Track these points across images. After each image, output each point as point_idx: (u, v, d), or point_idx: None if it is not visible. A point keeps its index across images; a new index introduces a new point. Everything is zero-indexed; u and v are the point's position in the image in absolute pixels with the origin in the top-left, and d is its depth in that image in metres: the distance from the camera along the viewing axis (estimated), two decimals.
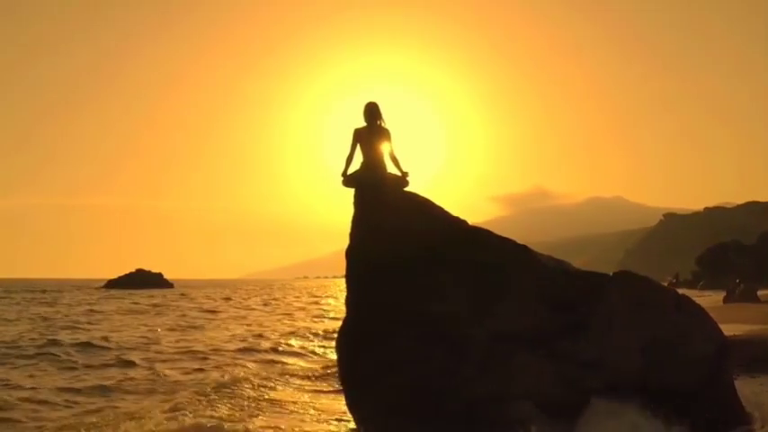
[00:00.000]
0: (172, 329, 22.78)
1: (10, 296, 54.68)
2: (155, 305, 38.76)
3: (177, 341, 18.58)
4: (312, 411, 9.49)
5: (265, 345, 17.83)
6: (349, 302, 7.23)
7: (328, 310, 34.85)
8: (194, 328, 23.67)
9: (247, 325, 25.44)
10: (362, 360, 6.83)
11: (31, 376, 12.24)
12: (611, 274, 7.29)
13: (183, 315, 30.32)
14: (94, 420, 8.50)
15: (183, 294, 60.35)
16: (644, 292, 7.04)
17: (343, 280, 7.37)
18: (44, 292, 67.49)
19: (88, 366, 13.48)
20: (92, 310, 33.17)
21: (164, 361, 14.40)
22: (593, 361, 6.60)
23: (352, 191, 7.41)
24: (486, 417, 6.34)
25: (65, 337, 18.67)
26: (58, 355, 14.73)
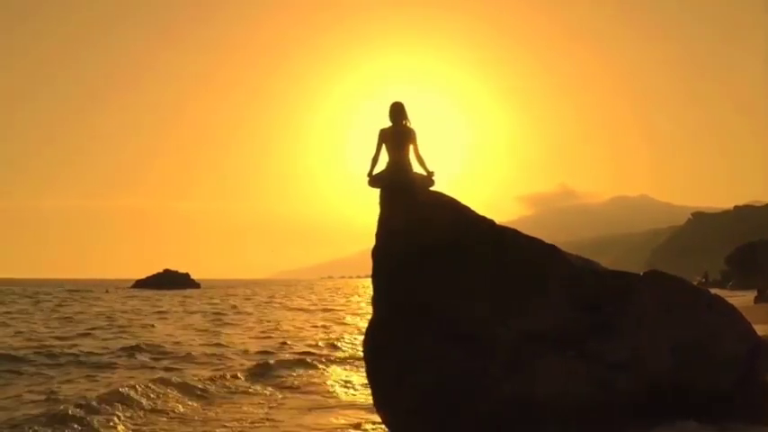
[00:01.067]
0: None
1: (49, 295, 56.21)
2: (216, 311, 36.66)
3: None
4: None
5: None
6: (375, 302, 7.22)
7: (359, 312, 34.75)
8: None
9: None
10: (389, 360, 6.81)
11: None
12: (641, 273, 7.19)
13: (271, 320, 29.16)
14: None
15: (230, 296, 60.40)
16: (675, 292, 6.94)
17: (368, 280, 7.37)
18: (76, 291, 68.59)
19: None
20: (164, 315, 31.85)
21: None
22: (623, 362, 6.51)
23: (377, 191, 7.40)
24: (513, 418, 6.29)
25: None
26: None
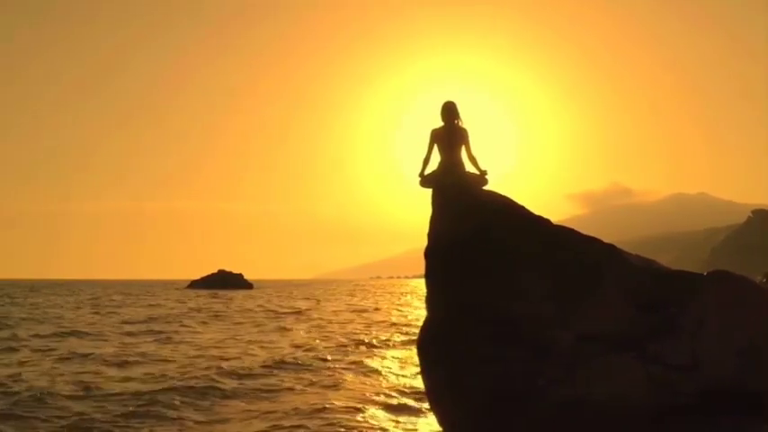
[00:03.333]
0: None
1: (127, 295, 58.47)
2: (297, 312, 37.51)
3: None
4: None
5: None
6: (430, 303, 7.17)
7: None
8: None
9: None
10: (444, 361, 6.75)
11: None
12: (704, 273, 6.89)
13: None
14: None
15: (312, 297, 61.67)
16: (740, 292, 6.64)
17: (417, 280, 7.31)
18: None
19: None
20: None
21: None
22: (685, 364, 6.28)
23: (427, 191, 7.34)
24: (570, 421, 6.13)
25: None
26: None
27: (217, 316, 31.89)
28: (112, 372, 13.52)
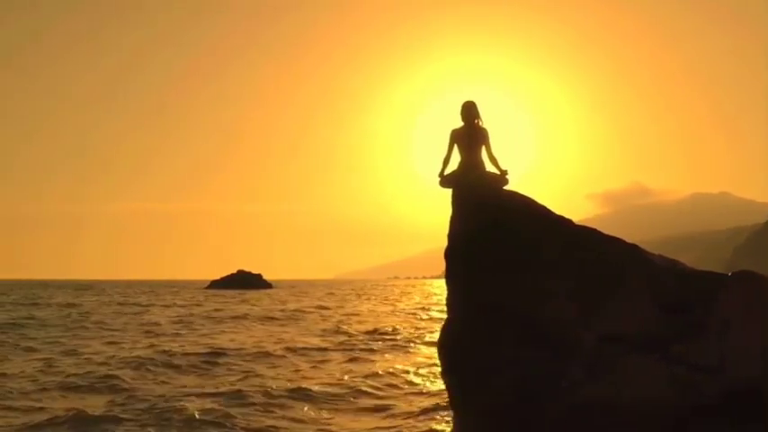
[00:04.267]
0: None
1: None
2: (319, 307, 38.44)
3: None
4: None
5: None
6: (450, 303, 7.16)
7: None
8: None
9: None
10: (465, 361, 6.74)
11: None
12: (729, 274, 6.81)
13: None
14: None
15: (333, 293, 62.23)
16: (766, 292, 6.53)
17: (435, 280, 7.31)
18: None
19: None
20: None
21: None
22: (710, 365, 6.21)
23: (447, 192, 7.32)
24: (593, 422, 6.09)
25: None
26: None
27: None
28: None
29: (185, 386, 11.50)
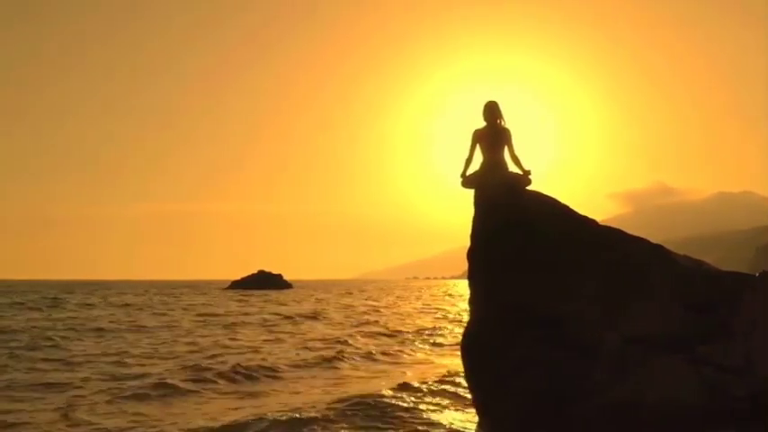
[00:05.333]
0: None
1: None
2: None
3: None
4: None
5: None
6: (473, 304, 7.14)
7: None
8: None
9: None
10: (488, 362, 6.73)
11: None
12: (756, 274, 6.75)
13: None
14: None
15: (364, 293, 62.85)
16: None
17: (454, 281, 7.32)
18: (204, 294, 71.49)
19: None
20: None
21: None
22: (737, 365, 6.15)
23: (467, 192, 7.31)
24: (618, 423, 6.06)
25: None
26: None
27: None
28: None
29: None
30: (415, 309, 36.82)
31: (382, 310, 35.80)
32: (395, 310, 35.04)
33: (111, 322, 25.26)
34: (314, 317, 28.99)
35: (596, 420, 6.13)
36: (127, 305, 40.33)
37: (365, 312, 32.96)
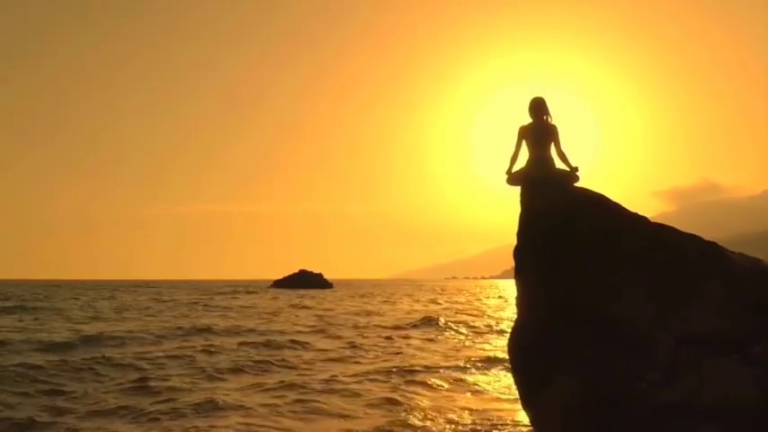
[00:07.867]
0: None
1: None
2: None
3: None
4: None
5: None
6: (520, 303, 7.07)
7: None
8: None
9: None
10: (536, 361, 6.66)
11: None
12: None
13: None
14: None
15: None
16: None
17: (494, 281, 7.25)
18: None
19: None
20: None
21: None
22: None
23: (505, 192, 7.28)
24: (671, 425, 5.91)
25: None
26: None
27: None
28: None
29: None
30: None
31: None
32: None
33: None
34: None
35: (650, 421, 5.99)
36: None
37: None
